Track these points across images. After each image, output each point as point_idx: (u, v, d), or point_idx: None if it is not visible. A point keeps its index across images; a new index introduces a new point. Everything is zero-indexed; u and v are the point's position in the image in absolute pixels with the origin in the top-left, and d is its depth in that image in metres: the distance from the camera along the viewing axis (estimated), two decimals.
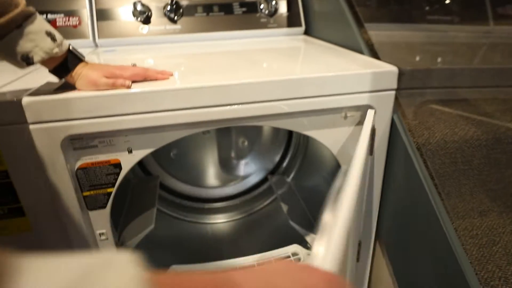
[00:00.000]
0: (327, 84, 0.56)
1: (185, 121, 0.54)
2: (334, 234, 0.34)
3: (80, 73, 0.52)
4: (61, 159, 0.53)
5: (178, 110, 0.53)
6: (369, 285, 0.80)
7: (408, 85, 0.58)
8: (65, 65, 0.51)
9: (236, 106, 0.55)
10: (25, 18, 0.46)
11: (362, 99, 0.58)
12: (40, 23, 0.48)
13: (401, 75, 0.57)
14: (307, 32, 1.02)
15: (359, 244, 0.73)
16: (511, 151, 0.66)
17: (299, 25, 1.01)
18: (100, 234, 0.61)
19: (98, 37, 0.92)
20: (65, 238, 0.58)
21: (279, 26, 1.00)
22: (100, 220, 0.60)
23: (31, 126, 0.49)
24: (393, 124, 0.62)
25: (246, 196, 1.10)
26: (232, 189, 1.12)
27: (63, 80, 0.53)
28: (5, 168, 0.53)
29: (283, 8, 1.00)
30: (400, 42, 0.85)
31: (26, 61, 0.46)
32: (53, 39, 0.49)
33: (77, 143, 0.54)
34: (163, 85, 0.53)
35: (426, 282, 0.60)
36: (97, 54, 0.85)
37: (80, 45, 0.91)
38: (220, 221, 1.09)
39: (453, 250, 0.53)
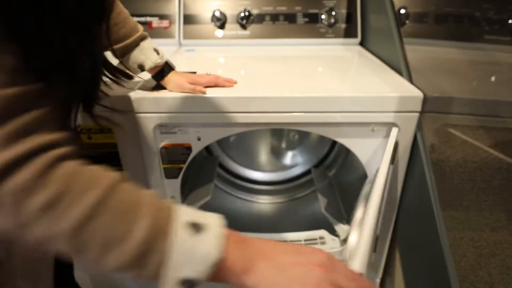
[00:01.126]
0: (359, 102, 0.68)
1: (243, 121, 0.71)
2: (364, 230, 0.48)
3: (171, 78, 0.71)
4: (151, 139, 0.73)
5: (238, 113, 0.70)
6: (384, 275, 0.91)
7: (431, 109, 0.68)
8: (162, 72, 0.70)
9: (285, 114, 0.70)
10: (142, 39, 0.66)
11: (388, 117, 0.69)
12: (150, 42, 0.68)
13: (425, 100, 0.67)
14: (362, 43, 1.11)
15: (377, 239, 0.85)
16: None
17: (355, 36, 1.10)
18: (172, 197, 0.82)
19: (183, 38, 1.12)
20: None
21: (337, 36, 1.11)
22: (173, 187, 0.80)
23: (136, 114, 0.70)
24: (415, 141, 0.72)
25: (290, 184, 1.26)
26: (278, 175, 1.28)
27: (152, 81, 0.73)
28: (115, 141, 0.75)
29: (342, 20, 1.11)
30: (442, 62, 0.91)
31: (141, 68, 0.67)
32: (158, 53, 0.68)
33: (163, 129, 0.74)
34: (228, 92, 0.70)
35: (422, 280, 0.71)
36: (180, 53, 1.05)
37: (167, 44, 1.12)
38: (264, 202, 1.26)
39: (444, 254, 0.64)
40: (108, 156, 0.77)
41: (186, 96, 0.69)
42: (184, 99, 0.69)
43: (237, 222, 1.14)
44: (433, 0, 1.07)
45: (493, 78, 0.83)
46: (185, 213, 0.34)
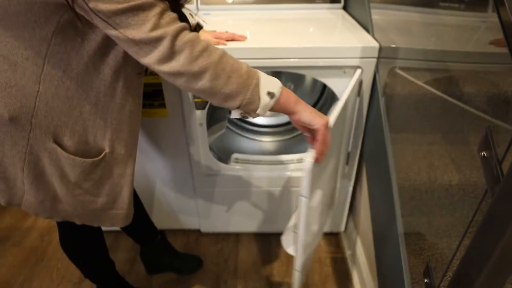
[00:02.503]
0: (334, 50, 0.97)
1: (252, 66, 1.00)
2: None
3: (201, 34, 0.99)
4: None
5: (248, 59, 0.99)
6: (355, 184, 1.24)
7: (385, 55, 0.96)
8: (194, 30, 0.98)
9: (282, 59, 0.99)
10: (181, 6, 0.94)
11: (354, 62, 0.98)
12: (186, 9, 0.95)
13: (380, 49, 0.96)
14: (345, 8, 1.38)
15: (348, 154, 1.17)
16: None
17: (339, 2, 1.37)
18: (200, 124, 1.12)
19: (200, 4, 1.38)
20: (183, 123, 1.11)
21: (324, 2, 1.37)
22: (201, 116, 1.11)
23: None
24: (374, 80, 1.01)
25: (287, 126, 1.57)
26: (277, 120, 1.58)
27: None
28: (160, 81, 1.04)
29: None
30: (400, 22, 1.18)
31: None
32: (192, 16, 0.95)
33: None
34: (241, 44, 0.99)
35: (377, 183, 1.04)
36: (199, 17, 1.32)
37: (186, 9, 1.38)
38: (267, 140, 1.57)
39: (388, 159, 0.95)
40: (154, 92, 1.06)
41: None
42: None
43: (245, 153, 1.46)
44: None
45: (434, 34, 1.11)
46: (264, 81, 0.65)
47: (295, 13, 1.34)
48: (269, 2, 1.38)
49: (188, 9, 0.97)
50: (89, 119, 0.69)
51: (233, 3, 1.37)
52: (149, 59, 0.58)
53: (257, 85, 0.63)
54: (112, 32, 0.56)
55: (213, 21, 1.27)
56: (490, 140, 0.48)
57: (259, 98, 0.63)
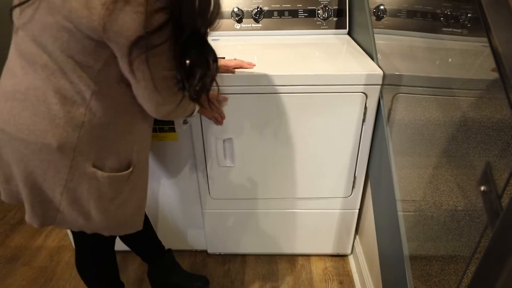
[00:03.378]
0: (339, 78, 1.00)
1: (258, 92, 1.03)
2: None
3: None
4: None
5: (254, 86, 1.02)
6: (361, 206, 1.25)
7: (389, 82, 0.99)
8: None
9: (287, 86, 1.02)
10: None
11: (359, 89, 1.01)
12: None
13: (384, 76, 0.99)
14: (349, 33, 1.42)
15: (355, 177, 1.18)
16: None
17: (344, 28, 1.41)
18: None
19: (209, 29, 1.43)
20: (192, 147, 1.14)
21: (330, 27, 1.41)
22: None
23: None
24: (379, 106, 1.04)
25: None
26: None
27: None
28: None
29: (334, 14, 1.41)
30: (405, 48, 1.21)
31: None
32: None
33: None
34: (249, 71, 1.02)
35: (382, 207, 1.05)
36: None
37: None
38: None
39: (393, 183, 0.97)
40: None
41: (220, 74, 1.02)
42: (218, 76, 1.02)
43: None
44: None
45: (438, 60, 1.14)
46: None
47: (301, 39, 1.38)
48: (277, 28, 1.42)
49: None
50: (122, 138, 0.75)
51: (241, 29, 1.42)
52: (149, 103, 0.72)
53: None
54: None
55: (223, 46, 1.32)
56: (489, 175, 0.50)
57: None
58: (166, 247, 1.24)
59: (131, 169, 0.79)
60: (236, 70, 1.03)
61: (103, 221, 0.79)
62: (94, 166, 0.72)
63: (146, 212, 1.12)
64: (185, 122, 0.95)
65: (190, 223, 1.36)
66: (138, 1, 0.57)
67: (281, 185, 1.22)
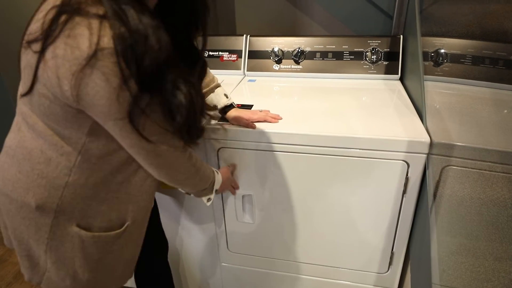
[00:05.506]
0: (377, 143, 0.85)
1: (280, 150, 0.93)
2: None
3: (232, 114, 0.95)
4: (215, 156, 0.99)
5: (276, 144, 0.92)
6: (400, 285, 1.06)
7: (437, 152, 0.82)
8: (226, 108, 0.95)
9: (315, 147, 0.90)
10: (216, 87, 0.93)
11: (399, 156, 0.85)
12: (221, 89, 0.94)
13: (431, 145, 0.81)
14: (402, 79, 1.24)
15: (392, 254, 1.00)
16: None
17: (396, 73, 1.24)
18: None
19: (246, 70, 1.37)
20: None
21: (379, 72, 1.26)
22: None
23: (206, 139, 0.96)
24: (424, 177, 0.86)
25: None
26: None
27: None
28: None
29: (384, 58, 1.25)
30: (464, 103, 1.01)
31: (214, 107, 0.94)
32: (226, 97, 0.94)
33: (226, 149, 0.99)
34: (272, 127, 0.92)
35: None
36: (244, 83, 1.30)
37: (234, 74, 1.39)
38: None
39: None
40: None
41: (239, 129, 0.93)
42: (238, 131, 0.94)
43: None
44: (471, 43, 1.17)
45: (505, 124, 0.92)
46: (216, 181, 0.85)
47: (345, 83, 1.25)
48: (319, 70, 1.31)
49: (225, 90, 0.96)
50: (115, 197, 0.71)
51: (280, 70, 1.34)
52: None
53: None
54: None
55: (258, 87, 1.25)
56: None
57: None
58: None
59: (123, 228, 0.74)
60: (258, 123, 0.94)
61: (91, 281, 0.75)
62: (78, 225, 0.69)
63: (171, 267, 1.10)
64: (208, 199, 0.88)
65: (208, 276, 1.28)
66: (107, 66, 0.52)
67: (304, 249, 1.08)
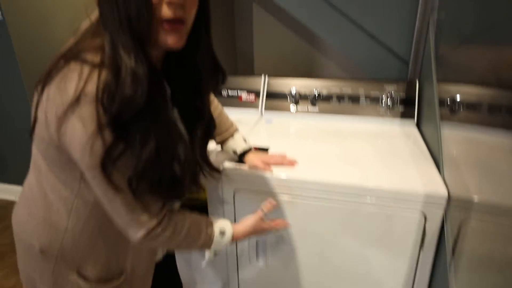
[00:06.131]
0: (391, 194, 0.85)
1: (294, 193, 0.93)
2: None
3: (249, 157, 0.97)
4: (231, 198, 1.00)
5: (291, 194, 0.93)
6: None
7: (456, 205, 0.81)
8: (245, 153, 0.97)
9: (324, 194, 0.90)
10: (235, 132, 0.95)
11: (415, 209, 0.84)
12: (240, 135, 0.96)
13: (449, 199, 0.81)
14: (418, 124, 1.25)
15: None
16: None
17: (412, 117, 1.25)
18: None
19: (264, 109, 1.40)
20: None
21: (395, 116, 1.27)
22: None
23: (223, 181, 0.98)
24: (442, 230, 0.85)
25: None
26: None
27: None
28: (205, 197, 1.04)
29: (401, 103, 1.26)
30: (482, 153, 0.99)
31: (234, 152, 0.96)
32: (245, 141, 0.96)
33: (242, 192, 1.00)
34: (288, 172, 0.94)
35: None
36: (261, 123, 1.33)
37: (252, 113, 1.42)
38: None
39: None
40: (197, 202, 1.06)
41: (255, 173, 0.95)
42: (255, 174, 0.95)
43: None
44: (487, 91, 1.17)
45: None
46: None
47: (361, 127, 1.26)
48: (335, 112, 1.33)
49: (243, 134, 0.99)
50: (112, 247, 0.71)
51: (297, 111, 1.37)
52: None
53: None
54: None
55: (275, 127, 1.27)
56: None
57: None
58: None
59: (122, 278, 0.74)
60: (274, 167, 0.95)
61: None
62: (78, 273, 0.69)
63: None
64: (215, 254, 0.82)
65: None
66: (86, 112, 0.53)
67: None
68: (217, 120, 0.92)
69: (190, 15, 0.60)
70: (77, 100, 0.52)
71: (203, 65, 0.68)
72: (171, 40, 0.58)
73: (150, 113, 0.56)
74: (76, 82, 0.53)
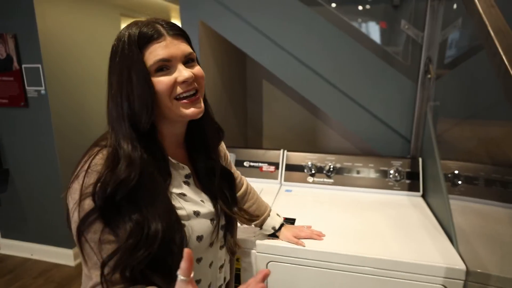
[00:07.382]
0: (413, 267, 0.96)
1: (323, 266, 1.03)
2: None
3: (282, 231, 1.08)
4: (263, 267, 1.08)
5: (322, 268, 1.03)
6: None
7: (475, 280, 0.92)
8: (279, 228, 1.08)
9: (356, 266, 1.00)
10: (271, 211, 1.06)
11: (437, 281, 0.94)
12: (274, 212, 1.07)
13: (468, 273, 0.92)
14: (424, 196, 1.39)
15: None
16: None
17: (418, 190, 1.40)
18: None
19: (283, 180, 1.53)
20: None
21: (402, 189, 1.41)
22: None
23: (257, 253, 1.07)
24: None
25: None
26: None
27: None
28: (239, 267, 1.11)
29: (407, 177, 1.42)
30: (488, 225, 1.13)
31: (273, 229, 1.06)
32: (279, 216, 1.07)
33: (274, 264, 1.08)
34: (317, 245, 1.04)
35: None
36: (281, 193, 1.45)
37: (272, 183, 1.54)
38: None
39: None
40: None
41: (289, 246, 1.05)
42: (288, 248, 1.05)
43: None
44: (483, 166, 1.34)
45: None
46: None
47: (372, 197, 1.40)
48: (348, 183, 1.47)
49: (275, 211, 1.10)
50: None
51: (313, 182, 1.50)
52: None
53: None
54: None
55: (293, 196, 1.39)
56: None
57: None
58: None
59: None
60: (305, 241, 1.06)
61: None
62: None
63: None
64: None
65: None
66: (82, 182, 0.63)
67: None
68: (255, 206, 1.05)
69: (201, 85, 0.72)
70: (80, 171, 0.64)
71: (207, 126, 0.80)
72: (192, 111, 0.70)
73: (145, 198, 0.64)
74: (86, 159, 0.65)
